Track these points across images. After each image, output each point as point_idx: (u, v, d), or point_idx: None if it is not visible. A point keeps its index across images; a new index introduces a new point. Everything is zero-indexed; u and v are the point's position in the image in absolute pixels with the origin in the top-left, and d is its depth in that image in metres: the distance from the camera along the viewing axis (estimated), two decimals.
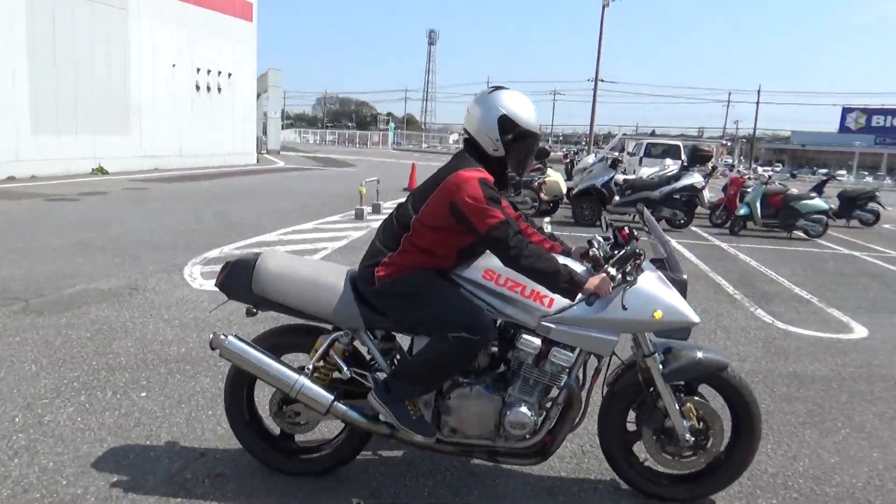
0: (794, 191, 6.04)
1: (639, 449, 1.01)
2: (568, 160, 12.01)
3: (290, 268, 0.91)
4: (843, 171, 23.42)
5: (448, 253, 0.84)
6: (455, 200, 0.78)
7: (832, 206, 6.21)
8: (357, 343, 0.88)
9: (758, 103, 32.19)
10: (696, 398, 0.97)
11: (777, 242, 5.53)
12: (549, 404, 0.88)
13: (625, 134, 14.99)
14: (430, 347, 0.84)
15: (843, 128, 26.62)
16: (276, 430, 1.06)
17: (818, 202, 5.82)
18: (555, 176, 5.98)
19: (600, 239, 0.98)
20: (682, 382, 0.90)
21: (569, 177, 8.23)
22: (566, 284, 0.78)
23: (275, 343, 1.02)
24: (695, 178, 5.88)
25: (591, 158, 6.93)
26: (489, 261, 0.94)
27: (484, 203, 0.80)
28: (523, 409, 0.88)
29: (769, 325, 2.81)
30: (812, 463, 1.42)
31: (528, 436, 0.89)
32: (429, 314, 0.78)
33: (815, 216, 5.75)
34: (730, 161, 17.32)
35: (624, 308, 0.83)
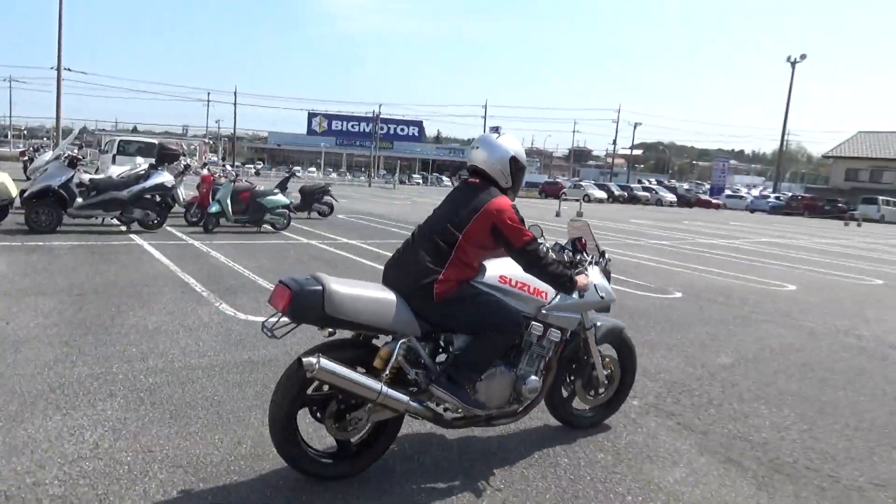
0: (260, 187, 7.44)
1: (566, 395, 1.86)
2: (26, 157, 12.04)
3: (356, 290, 1.41)
4: (314, 168, 34.92)
5: (479, 264, 1.48)
6: (496, 223, 1.45)
7: (294, 200, 7.65)
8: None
9: (235, 104, 43.23)
10: (607, 354, 1.67)
11: (247, 237, 6.82)
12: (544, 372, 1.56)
13: (86, 127, 14.27)
14: (481, 342, 1.48)
15: (311, 130, 41.20)
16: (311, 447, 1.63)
17: (281, 197, 7.22)
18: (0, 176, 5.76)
19: (561, 244, 1.63)
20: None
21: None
22: (569, 284, 1.41)
23: (337, 358, 1.50)
24: (164, 178, 6.57)
25: (47, 155, 6.93)
26: (501, 268, 1.58)
27: (519, 224, 1.49)
28: (534, 377, 1.59)
29: (231, 318, 3.64)
30: (255, 444, 1.92)
31: (538, 396, 1.58)
32: (479, 317, 1.42)
33: (280, 210, 7.14)
34: (214, 158, 21.90)
35: (581, 296, 1.43)
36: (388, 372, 1.66)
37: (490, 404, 1.80)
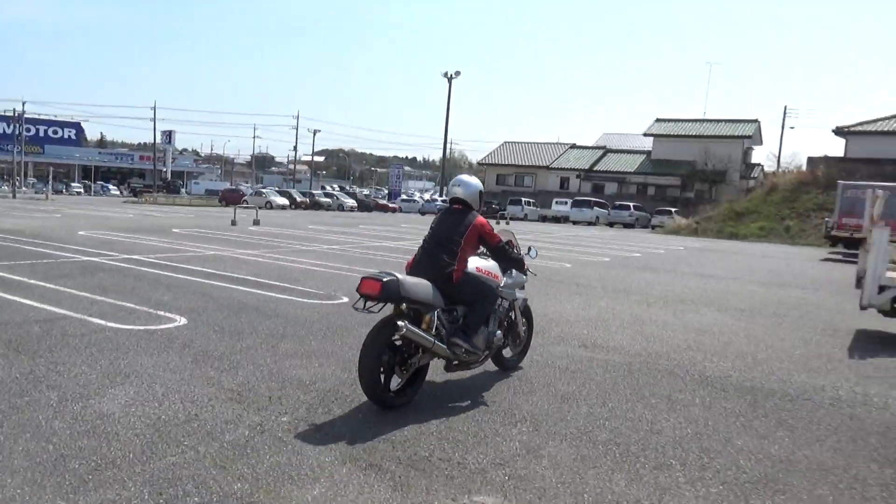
0: None
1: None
2: None
3: (410, 279, 3.27)
4: None
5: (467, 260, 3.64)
6: (481, 233, 3.64)
7: None
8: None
9: None
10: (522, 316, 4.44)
11: None
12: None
13: None
14: (480, 309, 3.59)
15: None
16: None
17: None
18: None
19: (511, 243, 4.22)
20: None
21: None
22: (522, 266, 3.96)
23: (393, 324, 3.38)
24: None
25: None
26: (476, 262, 3.74)
27: (493, 232, 3.78)
28: (498, 332, 3.92)
29: None
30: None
31: (501, 343, 4.03)
32: (476, 290, 3.52)
33: None
34: None
35: (524, 276, 4.19)
36: (434, 330, 3.65)
37: (480, 349, 3.87)
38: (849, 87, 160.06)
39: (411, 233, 19.92)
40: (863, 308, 6.98)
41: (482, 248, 4.24)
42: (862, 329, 7.60)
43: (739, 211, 31.70)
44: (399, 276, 3.67)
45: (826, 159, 32.22)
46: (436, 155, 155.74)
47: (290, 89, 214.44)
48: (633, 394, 4.35)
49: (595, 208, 39.83)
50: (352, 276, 8.84)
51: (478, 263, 4.22)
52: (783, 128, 50.97)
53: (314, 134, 76.70)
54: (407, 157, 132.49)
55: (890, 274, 6.89)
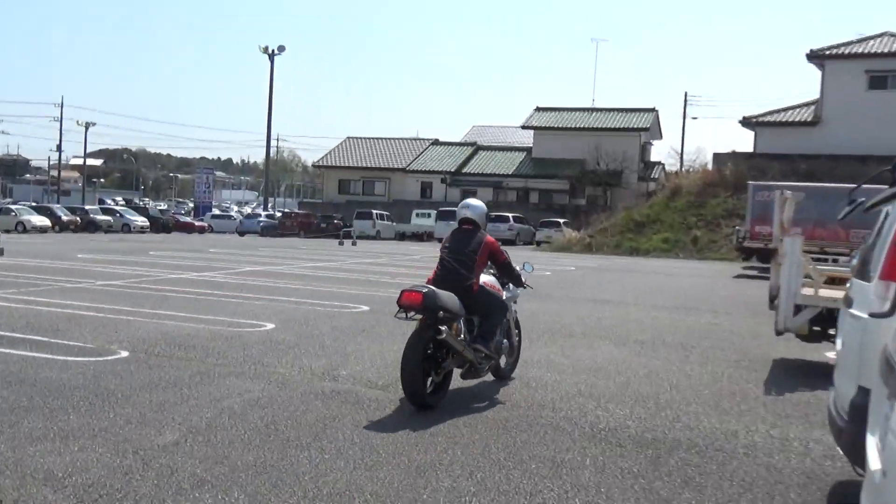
0: None
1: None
2: None
3: (442, 292, 5.67)
4: None
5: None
6: (492, 250, 6.25)
7: None
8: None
9: None
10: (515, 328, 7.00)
11: None
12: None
13: None
14: (494, 318, 6.15)
15: None
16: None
17: None
18: None
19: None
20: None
21: None
22: (519, 282, 6.65)
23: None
24: None
25: None
26: (483, 277, 6.35)
27: (501, 249, 6.42)
28: (505, 340, 6.57)
29: None
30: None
31: (506, 351, 6.66)
32: (492, 301, 6.13)
33: None
34: None
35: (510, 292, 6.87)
36: (461, 336, 6.00)
37: (496, 355, 6.19)
38: (756, 72, 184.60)
39: (223, 260, 20.17)
40: (778, 333, 7.82)
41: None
42: (779, 358, 8.49)
43: (639, 220, 35.12)
44: (434, 288, 5.75)
45: (734, 156, 36.69)
46: (258, 156, 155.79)
47: (50, 67, 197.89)
48: (508, 458, 4.54)
49: None
50: (138, 321, 8.98)
51: (484, 278, 6.42)
52: (685, 118, 57.98)
53: (86, 128, 70.08)
54: (220, 159, 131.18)
55: (805, 290, 7.68)
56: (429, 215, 44.51)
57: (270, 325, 9.14)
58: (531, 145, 52.88)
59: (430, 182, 53.18)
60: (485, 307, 6.22)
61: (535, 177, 50.42)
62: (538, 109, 53.96)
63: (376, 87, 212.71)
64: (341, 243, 32.92)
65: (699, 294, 16.09)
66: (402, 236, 44.30)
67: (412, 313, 5.65)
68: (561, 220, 41.01)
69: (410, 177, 53.72)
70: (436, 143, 58.00)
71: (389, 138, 59.07)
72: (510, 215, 42.08)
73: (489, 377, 6.63)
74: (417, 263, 22.07)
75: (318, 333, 8.72)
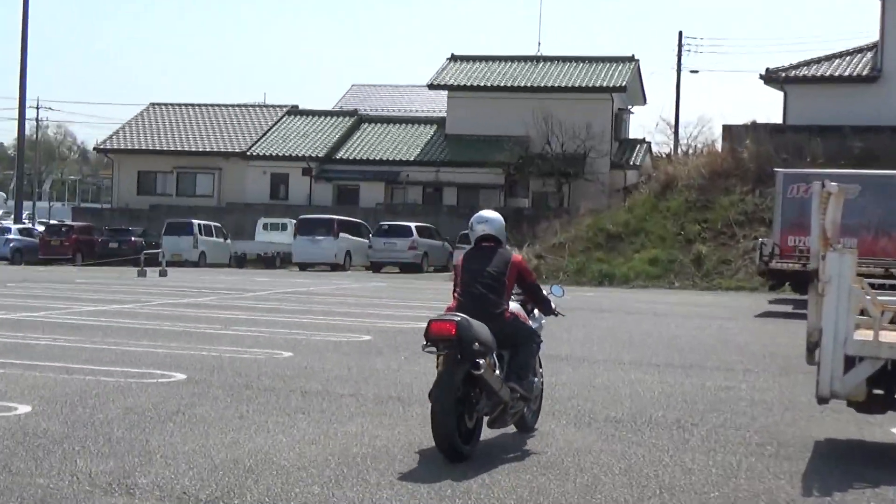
0: None
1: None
2: None
3: (474, 321, 7.39)
4: None
5: None
6: (521, 270, 8.28)
7: None
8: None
9: None
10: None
11: None
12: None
13: None
14: (527, 352, 8.16)
15: None
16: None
17: None
18: None
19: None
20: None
21: None
22: (549, 309, 8.71)
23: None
24: None
25: None
26: (512, 305, 8.33)
27: (529, 268, 8.82)
28: (537, 380, 8.69)
29: None
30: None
31: (538, 393, 8.88)
32: (525, 331, 8.21)
33: None
34: None
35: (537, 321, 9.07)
36: (497, 373, 7.80)
37: (530, 396, 8.32)
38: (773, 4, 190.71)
39: None
40: (822, 400, 7.82)
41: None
42: (824, 440, 8.64)
43: (613, 231, 35.76)
44: (466, 316, 7.22)
45: (754, 129, 37.80)
46: (8, 135, 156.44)
47: None
48: None
49: (342, 236, 42.52)
50: None
51: (513, 307, 8.11)
52: (679, 73, 59.32)
53: None
54: None
55: (861, 334, 7.68)
56: (284, 227, 44.67)
57: (24, 409, 9.13)
58: (444, 115, 53.88)
59: (284, 174, 53.59)
60: (516, 339, 7.98)
61: (450, 164, 51.20)
62: (454, 59, 55.02)
63: (196, 20, 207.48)
64: (142, 273, 32.97)
65: (704, 343, 16.39)
66: (241, 260, 44.76)
67: (444, 348, 7.22)
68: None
69: (254, 166, 53.93)
70: (294, 112, 58.63)
71: (220, 105, 59.39)
72: (412, 226, 42.47)
73: (505, 429, 8.13)
74: (266, 303, 22.64)
75: (103, 419, 8.80)
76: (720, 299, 26.88)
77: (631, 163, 51.91)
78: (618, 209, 38.03)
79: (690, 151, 46.37)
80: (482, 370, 7.05)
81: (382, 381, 11.73)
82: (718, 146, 40.20)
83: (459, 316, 7.20)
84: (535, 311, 8.57)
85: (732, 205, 34.49)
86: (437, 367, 7.37)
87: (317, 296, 25.73)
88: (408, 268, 41.24)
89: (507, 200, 49.40)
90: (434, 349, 7.14)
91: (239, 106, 59.39)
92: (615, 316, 21.01)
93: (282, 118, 57.24)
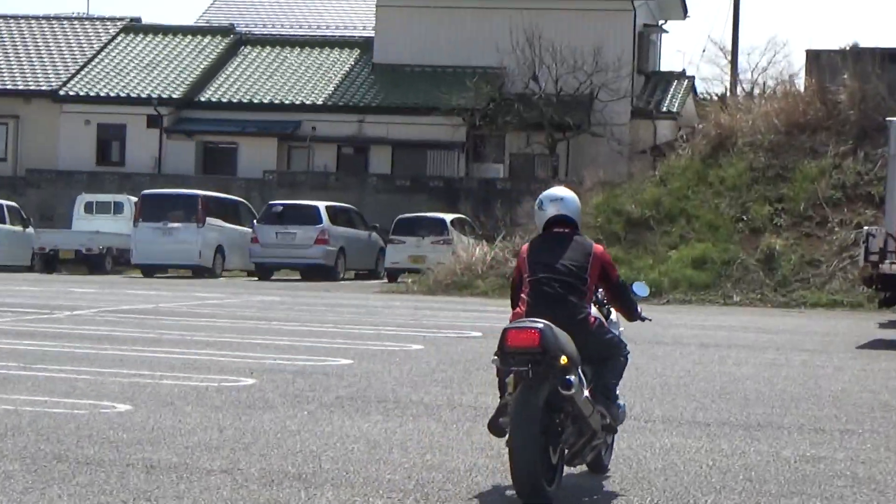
0: None
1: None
2: None
3: (558, 331, 8.49)
4: None
5: None
6: (605, 264, 9.51)
7: None
8: None
9: None
10: None
11: None
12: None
13: None
14: (615, 369, 9.63)
15: None
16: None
17: None
18: None
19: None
20: None
21: None
22: (635, 313, 10.12)
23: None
24: None
25: None
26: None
27: (613, 262, 10.25)
28: (624, 404, 10.30)
29: None
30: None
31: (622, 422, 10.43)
32: (613, 342, 9.54)
33: None
34: None
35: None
36: (586, 394, 9.00)
37: (616, 424, 9.90)
38: None
39: None
40: None
41: None
42: None
43: (636, 215, 36.44)
44: (549, 323, 8.06)
45: (855, 56, 38.52)
46: None
47: None
48: None
49: (210, 223, 43.06)
50: None
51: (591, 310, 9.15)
52: None
53: None
54: None
55: None
56: (118, 208, 45.42)
57: None
58: (370, 34, 54.98)
59: (119, 126, 54.24)
60: (603, 352, 9.06)
61: (380, 111, 52.34)
62: None
63: None
64: None
65: (780, 391, 16.57)
66: (50, 261, 44.87)
67: (509, 362, 8.11)
68: (447, 217, 42.68)
69: (71, 113, 54.41)
70: (134, 28, 59.35)
71: (15, 17, 59.76)
72: (320, 206, 43.15)
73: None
74: (91, 329, 22.76)
75: None
76: (804, 322, 27.00)
77: (664, 109, 52.84)
78: (644, 180, 38.41)
79: (757, 92, 46.51)
80: (573, 389, 7.81)
81: (273, 449, 11.64)
82: (800, 84, 40.45)
83: (542, 322, 7.92)
84: (612, 314, 9.57)
85: (822, 174, 34.96)
86: (508, 389, 8.24)
87: (170, 317, 25.78)
88: (314, 272, 41.86)
89: (470, 166, 49.77)
90: (511, 365, 7.88)
91: (47, 19, 59.50)
92: (639, 348, 20.74)
93: (115, 38, 57.68)
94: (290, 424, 13.15)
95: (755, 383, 17.11)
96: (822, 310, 30.05)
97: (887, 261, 24.02)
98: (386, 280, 39.99)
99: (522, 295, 8.52)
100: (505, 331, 7.88)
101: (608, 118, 48.60)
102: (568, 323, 8.07)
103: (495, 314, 27.56)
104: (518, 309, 8.51)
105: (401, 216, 42.69)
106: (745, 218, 34.58)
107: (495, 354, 8.06)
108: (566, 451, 8.31)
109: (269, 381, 16.75)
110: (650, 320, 10.17)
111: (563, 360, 7.81)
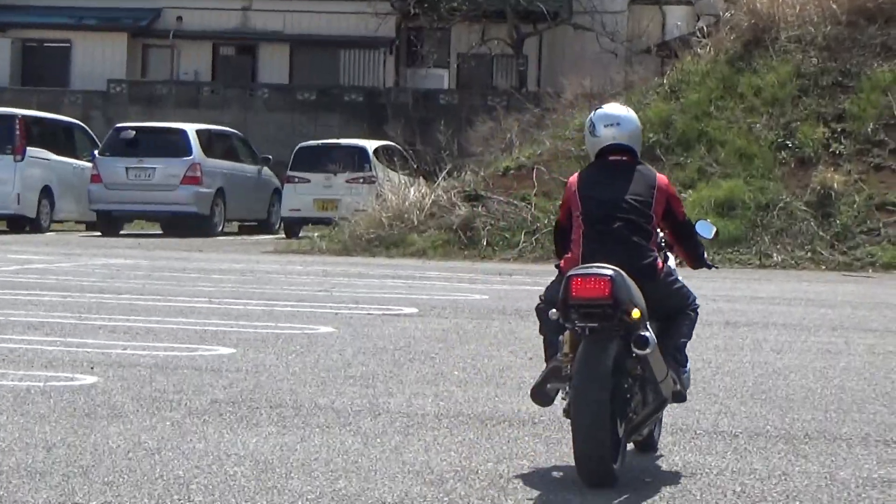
0: None
1: None
2: None
3: (629, 280, 10.19)
4: None
5: None
6: (670, 198, 11.19)
7: None
8: None
9: None
10: None
11: None
12: None
13: None
14: (690, 323, 11.43)
15: None
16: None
17: None
18: None
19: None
20: None
21: None
22: (702, 259, 12.34)
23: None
24: None
25: None
26: None
27: (679, 197, 12.48)
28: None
29: None
30: None
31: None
32: (685, 294, 11.21)
33: None
34: None
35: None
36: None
37: (685, 391, 11.97)
38: None
39: None
40: None
41: None
42: None
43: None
44: (620, 271, 9.10)
45: None
46: None
47: None
48: None
49: (32, 154, 43.15)
50: None
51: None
52: None
53: None
54: None
55: None
56: None
57: None
58: None
59: None
60: (671, 304, 10.25)
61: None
62: None
63: None
64: None
65: (837, 387, 16.81)
66: None
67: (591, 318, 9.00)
68: (369, 145, 43.58)
69: None
70: None
71: None
72: (189, 129, 43.54)
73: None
74: None
75: None
76: (872, 290, 27.36)
77: None
78: (648, 92, 38.71)
79: None
80: (649, 348, 8.75)
81: (123, 475, 11.10)
82: None
83: (612, 269, 8.82)
84: (670, 259, 10.52)
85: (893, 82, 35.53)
86: (564, 349, 9.12)
87: None
88: (181, 225, 42.25)
89: (402, 72, 49.97)
90: (577, 320, 8.77)
91: None
92: None
93: None
94: (146, 440, 12.92)
95: (802, 378, 17.23)
96: None
97: None
98: (283, 235, 40.06)
99: (575, 237, 9.32)
100: (568, 278, 8.70)
101: (597, 3, 48.95)
102: (632, 269, 8.88)
103: (439, 282, 28.77)
104: (570, 254, 9.32)
105: (303, 144, 42.91)
106: (789, 144, 34.93)
107: (556, 308, 8.81)
108: (639, 426, 9.32)
109: (116, 380, 16.63)
110: (717, 268, 11.70)
111: (636, 313, 8.62)
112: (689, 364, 10.08)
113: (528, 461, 11.06)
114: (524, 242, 33.90)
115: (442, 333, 22.77)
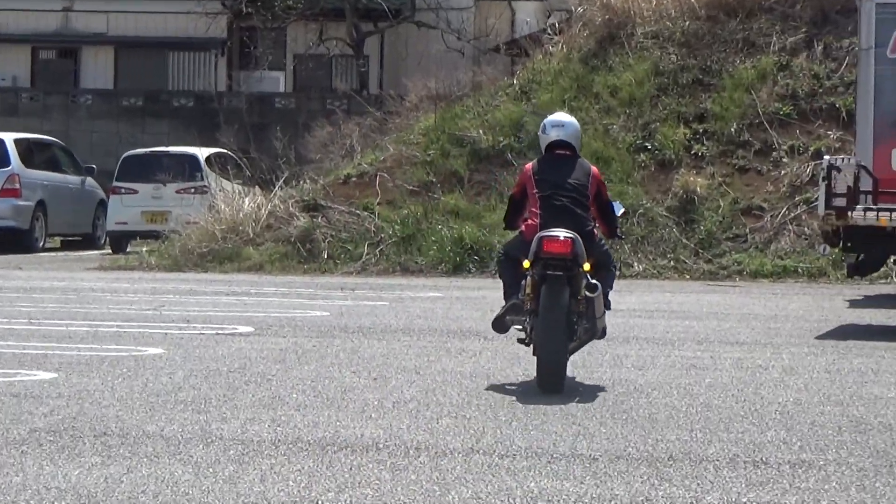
0: None
1: None
2: None
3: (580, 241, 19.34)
4: None
5: None
6: (600, 184, 20.80)
7: None
8: None
9: None
10: None
11: None
12: None
13: None
14: (611, 275, 20.70)
15: None
16: None
17: None
18: None
19: None
20: None
21: None
22: (615, 231, 21.74)
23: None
24: None
25: None
26: None
27: (605, 183, 24.00)
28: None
29: None
30: None
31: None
32: (607, 258, 20.24)
33: None
34: None
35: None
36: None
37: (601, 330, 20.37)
38: None
39: None
40: None
41: None
42: None
43: (484, 145, 37.12)
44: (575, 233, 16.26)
45: None
46: None
47: None
48: None
49: None
50: None
51: None
52: None
53: None
54: None
55: None
56: None
57: None
58: None
59: None
60: (601, 261, 14.83)
61: None
62: None
63: None
64: None
65: (705, 408, 16.77)
66: None
67: (540, 267, 13.67)
68: (200, 153, 43.49)
69: None
70: None
71: None
72: (6, 139, 43.19)
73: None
74: None
75: None
76: (738, 301, 27.75)
77: None
78: (497, 93, 38.58)
79: None
80: (598, 291, 13.08)
81: None
82: None
83: (571, 232, 13.43)
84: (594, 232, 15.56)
85: (763, 79, 35.94)
86: (526, 290, 13.65)
87: None
88: None
89: (235, 75, 49.98)
90: (536, 268, 13.18)
91: None
92: (490, 344, 21.68)
93: None
94: None
95: (665, 395, 17.26)
96: (766, 282, 31.03)
97: (859, 206, 24.08)
98: (109, 250, 39.95)
99: (533, 209, 13.93)
100: (540, 239, 13.15)
101: (442, 0, 48.91)
102: (577, 233, 13.05)
103: (276, 298, 29.19)
104: (530, 221, 13.90)
105: (130, 153, 42.80)
106: (648, 146, 35.27)
107: (529, 259, 13.33)
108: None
109: None
110: (624, 238, 13.20)
111: (587, 266, 12.81)
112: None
113: (372, 490, 11.04)
114: (367, 255, 33.81)
115: (279, 353, 22.96)
